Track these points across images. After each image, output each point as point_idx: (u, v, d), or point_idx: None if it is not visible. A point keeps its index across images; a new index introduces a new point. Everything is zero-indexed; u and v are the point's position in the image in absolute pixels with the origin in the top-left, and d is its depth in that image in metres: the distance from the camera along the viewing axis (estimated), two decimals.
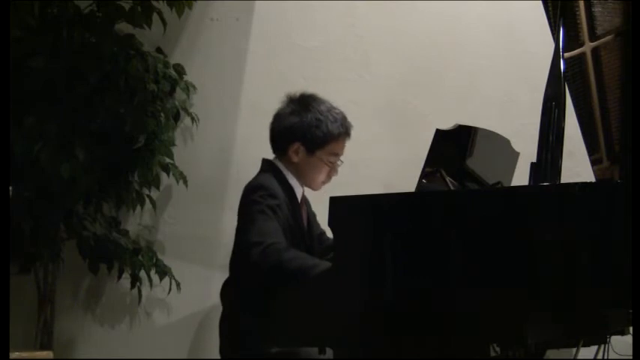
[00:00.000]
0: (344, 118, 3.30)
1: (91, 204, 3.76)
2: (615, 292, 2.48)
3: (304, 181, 3.31)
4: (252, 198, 3.15)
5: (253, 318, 3.05)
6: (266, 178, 3.22)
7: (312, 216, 3.45)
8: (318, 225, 3.48)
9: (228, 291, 3.29)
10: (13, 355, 3.17)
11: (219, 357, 3.29)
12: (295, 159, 3.26)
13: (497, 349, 2.65)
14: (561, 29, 2.89)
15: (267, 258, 2.95)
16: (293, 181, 3.28)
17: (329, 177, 3.33)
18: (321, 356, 2.92)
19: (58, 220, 3.70)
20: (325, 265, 2.89)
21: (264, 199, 3.11)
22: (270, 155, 3.31)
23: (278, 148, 3.31)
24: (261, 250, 2.96)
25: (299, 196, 3.29)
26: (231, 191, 3.91)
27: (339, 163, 3.32)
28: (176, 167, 3.90)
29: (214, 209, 4.00)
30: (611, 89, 3.00)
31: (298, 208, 3.27)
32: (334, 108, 3.29)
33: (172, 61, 3.96)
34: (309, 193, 3.38)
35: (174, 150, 3.92)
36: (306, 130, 3.25)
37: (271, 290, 2.88)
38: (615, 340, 3.25)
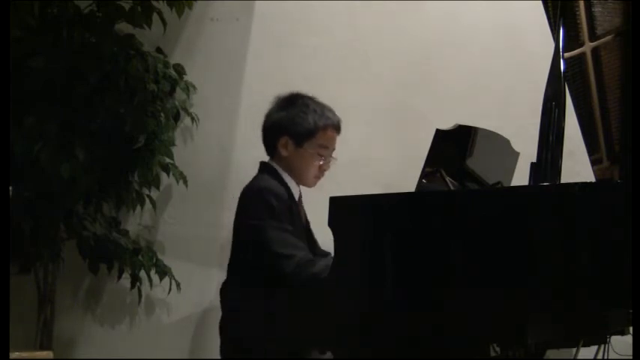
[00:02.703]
0: (330, 111, 3.31)
1: (91, 204, 3.76)
2: (615, 292, 2.48)
3: (297, 177, 3.30)
4: (260, 201, 3.12)
5: (254, 319, 3.06)
6: (267, 179, 3.23)
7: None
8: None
9: (227, 293, 3.29)
10: (13, 355, 3.17)
11: (219, 357, 3.29)
12: (285, 153, 3.27)
13: (497, 349, 2.65)
14: (561, 29, 2.89)
15: (302, 272, 2.93)
16: (289, 181, 3.28)
17: (321, 172, 3.32)
18: (321, 356, 2.92)
19: (58, 220, 3.70)
20: None
21: (272, 201, 3.10)
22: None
23: (269, 146, 3.32)
24: (295, 264, 2.96)
25: (296, 196, 3.30)
26: (231, 191, 3.90)
27: (332, 159, 3.32)
28: (176, 167, 3.90)
29: (214, 209, 4.00)
30: (611, 89, 3.00)
31: (297, 208, 3.27)
32: (321, 102, 3.31)
33: (172, 61, 3.96)
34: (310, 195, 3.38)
35: (174, 150, 3.92)
36: (293, 122, 3.26)
37: (272, 291, 2.88)
38: (615, 340, 3.25)
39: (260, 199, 3.15)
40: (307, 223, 3.40)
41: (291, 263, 2.96)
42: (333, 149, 3.34)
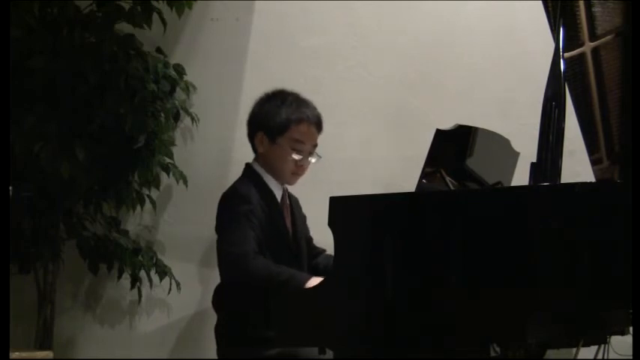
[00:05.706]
0: (307, 106, 3.28)
1: (91, 204, 3.77)
2: (615, 292, 2.48)
3: (274, 174, 3.29)
4: (226, 205, 3.22)
5: (250, 320, 3.07)
6: (242, 184, 3.25)
7: (299, 218, 3.43)
8: (307, 228, 3.47)
9: (220, 296, 3.29)
10: (13, 355, 3.17)
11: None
12: (261, 149, 3.28)
13: (497, 349, 2.65)
14: (561, 29, 2.89)
15: (235, 267, 3.04)
16: (271, 182, 3.27)
17: (300, 168, 3.29)
18: (321, 356, 2.92)
19: (58, 220, 3.70)
20: (292, 272, 2.96)
21: (237, 206, 3.15)
22: None
23: (251, 143, 3.34)
24: (230, 260, 3.07)
25: (279, 197, 3.28)
26: None
27: (315, 155, 3.30)
28: (176, 167, 3.90)
29: (214, 209, 3.98)
30: (611, 89, 3.00)
31: (278, 210, 3.26)
32: (301, 98, 3.29)
33: (172, 61, 3.96)
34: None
35: (175, 150, 3.92)
36: (265, 117, 3.26)
37: (270, 290, 2.88)
38: (615, 340, 3.24)
39: (223, 204, 3.24)
40: (297, 223, 3.37)
41: (228, 259, 3.09)
42: (314, 145, 3.30)
